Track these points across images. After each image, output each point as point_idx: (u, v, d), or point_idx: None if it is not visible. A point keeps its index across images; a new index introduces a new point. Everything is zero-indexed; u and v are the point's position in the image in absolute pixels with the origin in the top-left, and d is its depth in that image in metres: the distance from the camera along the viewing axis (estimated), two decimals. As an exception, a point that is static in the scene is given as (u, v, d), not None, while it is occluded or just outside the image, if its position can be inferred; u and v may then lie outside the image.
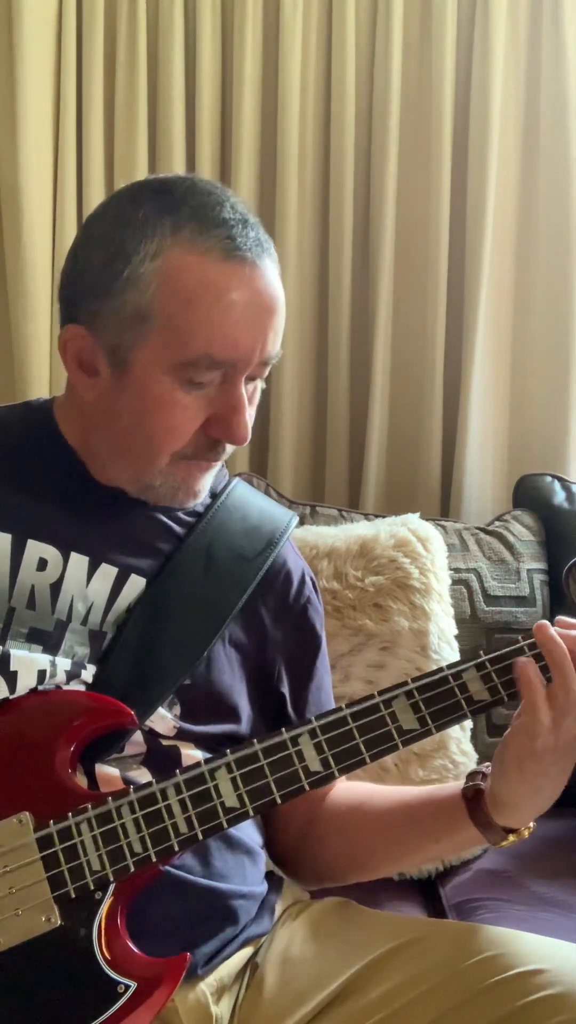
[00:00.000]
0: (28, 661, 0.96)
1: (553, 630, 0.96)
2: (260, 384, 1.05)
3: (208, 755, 0.98)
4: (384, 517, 1.77)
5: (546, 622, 0.97)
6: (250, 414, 1.02)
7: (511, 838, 1.01)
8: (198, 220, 0.97)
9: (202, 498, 1.06)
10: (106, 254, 0.97)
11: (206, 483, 1.05)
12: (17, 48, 1.94)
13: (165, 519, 1.08)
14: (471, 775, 1.02)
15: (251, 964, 1.04)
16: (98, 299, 0.98)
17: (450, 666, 0.97)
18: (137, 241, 0.96)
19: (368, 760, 0.94)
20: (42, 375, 2.03)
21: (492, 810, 0.99)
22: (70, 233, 2.00)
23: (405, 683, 0.96)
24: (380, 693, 0.95)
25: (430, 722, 0.95)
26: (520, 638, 0.97)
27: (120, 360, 0.99)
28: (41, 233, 2.02)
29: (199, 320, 0.96)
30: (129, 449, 1.02)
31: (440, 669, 0.97)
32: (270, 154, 2.07)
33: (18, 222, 1.99)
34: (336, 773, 0.93)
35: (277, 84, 2.03)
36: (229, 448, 1.03)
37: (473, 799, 1.00)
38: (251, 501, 1.15)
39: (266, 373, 1.03)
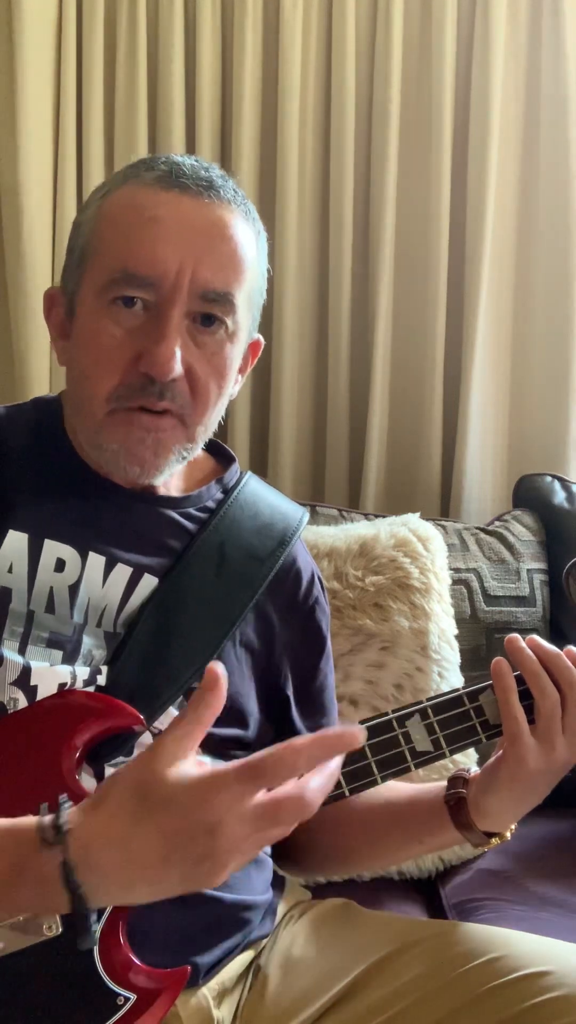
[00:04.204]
0: (49, 674, 0.95)
1: (523, 643, 0.96)
2: (222, 337, 0.97)
3: (215, 762, 0.97)
4: (384, 517, 1.77)
5: (516, 636, 0.97)
6: (202, 362, 0.96)
7: (493, 841, 1.01)
8: (147, 164, 0.99)
9: (158, 475, 1.00)
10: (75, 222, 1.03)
11: (155, 455, 0.97)
12: (17, 48, 1.94)
13: (177, 516, 1.06)
14: (452, 780, 1.02)
15: (253, 966, 1.04)
16: (65, 260, 1.02)
17: (466, 688, 0.96)
18: (93, 197, 1.01)
19: (379, 781, 0.93)
20: (42, 374, 2.03)
21: (475, 817, 0.99)
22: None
23: (420, 702, 0.95)
24: (394, 711, 0.94)
25: (444, 745, 0.94)
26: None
27: (71, 305, 1.00)
28: (41, 233, 2.02)
29: (118, 234, 0.95)
30: (80, 404, 0.99)
31: (456, 690, 0.96)
32: (270, 154, 2.07)
33: (18, 222, 1.99)
34: (347, 793, 0.92)
35: (277, 84, 2.03)
36: (176, 404, 0.96)
37: (456, 806, 1.00)
38: (263, 497, 1.13)
39: (222, 325, 0.96)
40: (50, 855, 0.73)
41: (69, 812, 0.75)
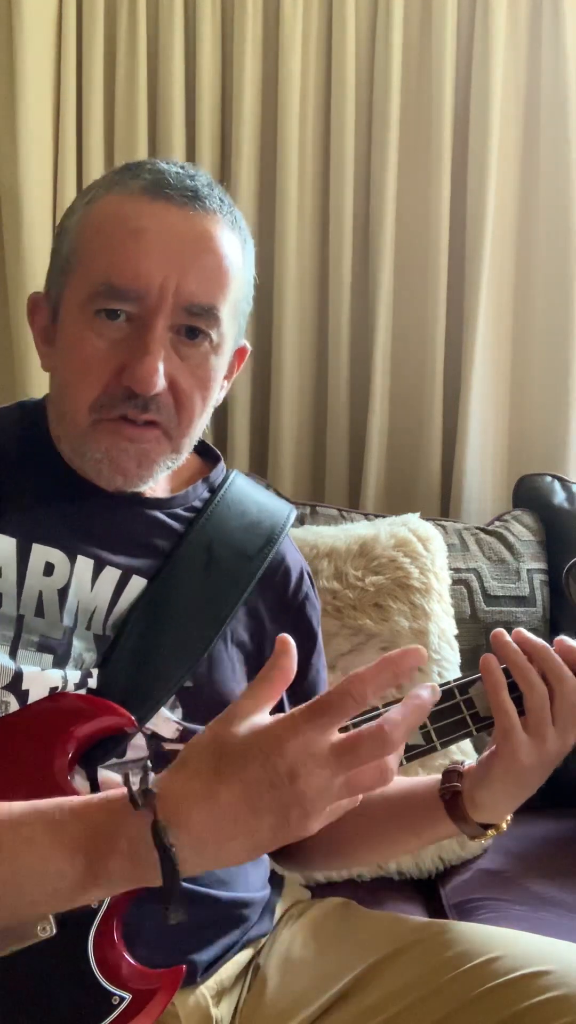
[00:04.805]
0: (40, 678, 0.95)
1: (508, 637, 0.95)
2: (206, 350, 0.97)
3: None
4: (384, 517, 1.77)
5: (501, 630, 0.96)
6: (186, 374, 0.96)
7: (490, 833, 1.01)
8: (132, 171, 0.98)
9: (141, 484, 1.00)
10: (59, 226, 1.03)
11: (139, 466, 0.98)
12: (17, 48, 1.94)
13: (164, 517, 1.06)
14: (446, 774, 1.02)
15: (252, 965, 1.04)
16: (50, 264, 1.02)
17: (457, 680, 0.96)
18: (78, 201, 1.00)
19: None
20: (42, 375, 2.00)
21: (470, 810, 0.99)
22: (70, 233, 2.01)
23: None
24: (385, 705, 0.93)
25: (435, 738, 0.93)
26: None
27: (55, 311, 1.00)
28: (41, 233, 2.02)
29: (102, 246, 0.94)
30: (63, 413, 0.99)
31: (446, 683, 0.96)
32: (270, 154, 2.07)
33: (18, 222, 1.99)
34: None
35: (277, 84, 2.03)
36: (161, 416, 0.96)
37: (451, 800, 1.00)
38: (250, 495, 1.13)
39: (206, 338, 0.96)
40: (141, 818, 0.74)
41: (156, 777, 0.76)
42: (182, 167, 0.98)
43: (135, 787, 0.75)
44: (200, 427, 1.02)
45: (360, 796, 0.77)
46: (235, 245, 0.98)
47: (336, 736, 0.74)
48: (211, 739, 0.76)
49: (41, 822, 0.77)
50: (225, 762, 0.74)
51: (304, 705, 0.74)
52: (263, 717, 0.76)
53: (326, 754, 0.72)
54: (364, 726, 0.74)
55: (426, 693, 0.78)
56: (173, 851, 0.72)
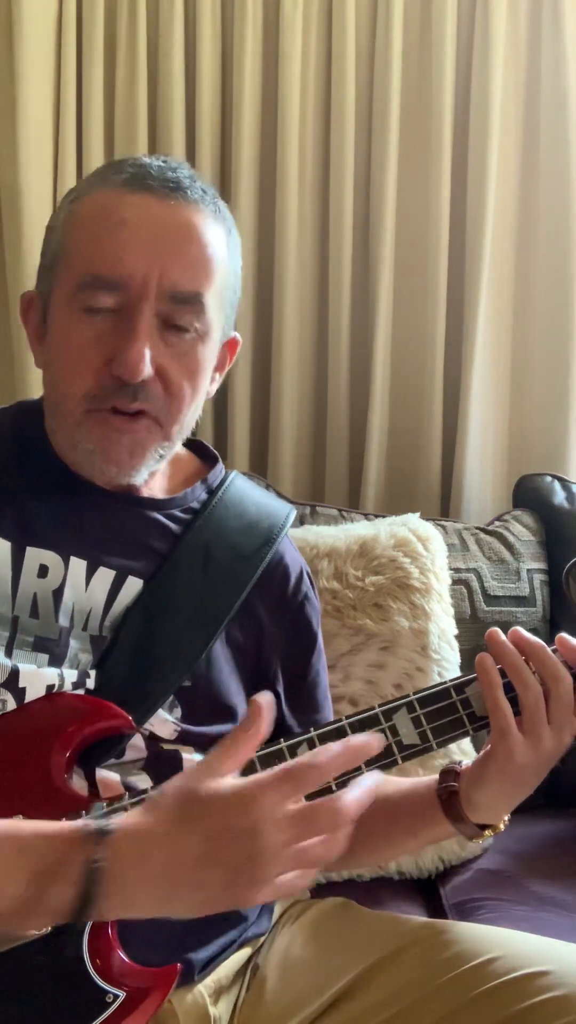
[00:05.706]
0: (37, 676, 0.95)
1: (504, 636, 0.95)
2: (193, 337, 0.98)
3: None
4: (384, 517, 1.77)
5: (496, 629, 0.96)
6: (174, 363, 0.97)
7: (487, 834, 1.01)
8: (115, 167, 1.00)
9: (134, 475, 1.00)
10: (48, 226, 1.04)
11: (131, 455, 0.98)
12: (17, 48, 1.94)
13: (161, 518, 1.06)
14: (444, 774, 1.02)
15: (251, 965, 1.04)
16: (40, 263, 1.03)
17: (453, 680, 0.96)
18: (63, 201, 1.02)
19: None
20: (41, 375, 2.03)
21: (467, 810, 0.99)
22: (70, 233, 2.00)
23: (407, 696, 0.94)
24: (381, 705, 0.94)
25: (431, 738, 0.93)
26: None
27: (46, 309, 1.01)
28: (41, 233, 1.99)
29: (87, 238, 0.96)
30: (56, 406, 1.00)
31: (443, 682, 0.96)
32: (270, 154, 2.07)
33: (18, 222, 1.99)
34: (334, 787, 0.90)
35: (277, 84, 2.03)
36: (150, 404, 0.96)
37: (448, 800, 1.00)
38: (248, 495, 1.13)
39: (192, 324, 0.96)
40: (85, 853, 0.75)
41: (123, 815, 0.78)
42: (164, 161, 1.00)
43: (94, 824, 0.76)
44: (191, 417, 1.02)
45: (308, 880, 0.79)
46: (219, 234, 0.99)
47: (297, 804, 0.76)
48: (181, 787, 0.78)
49: (11, 843, 0.77)
50: (190, 811, 0.76)
51: (273, 769, 0.76)
52: (234, 775, 0.78)
53: (286, 819, 0.74)
54: (320, 799, 0.76)
55: (370, 780, 0.80)
56: (94, 891, 0.74)
